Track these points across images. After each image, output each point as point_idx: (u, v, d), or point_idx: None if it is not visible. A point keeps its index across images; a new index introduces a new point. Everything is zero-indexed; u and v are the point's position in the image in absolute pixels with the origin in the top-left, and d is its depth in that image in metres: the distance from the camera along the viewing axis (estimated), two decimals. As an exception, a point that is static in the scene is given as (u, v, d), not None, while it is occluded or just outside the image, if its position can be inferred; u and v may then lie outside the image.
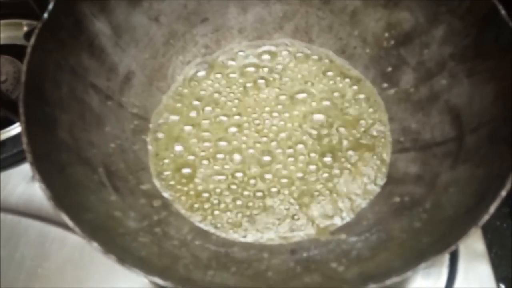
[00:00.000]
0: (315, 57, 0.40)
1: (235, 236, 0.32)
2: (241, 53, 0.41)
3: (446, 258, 0.35)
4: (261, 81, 0.39)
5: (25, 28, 0.48)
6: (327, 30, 0.40)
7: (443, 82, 0.34)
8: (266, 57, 0.41)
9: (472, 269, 0.35)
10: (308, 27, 0.41)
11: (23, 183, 0.39)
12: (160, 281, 0.23)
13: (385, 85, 0.38)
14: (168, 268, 0.27)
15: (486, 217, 0.24)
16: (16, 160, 0.41)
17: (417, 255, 0.24)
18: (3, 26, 0.49)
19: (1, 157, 0.40)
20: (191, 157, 0.36)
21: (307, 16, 0.40)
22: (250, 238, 0.32)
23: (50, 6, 0.31)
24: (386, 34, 0.38)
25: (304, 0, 0.40)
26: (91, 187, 0.29)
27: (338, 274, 0.27)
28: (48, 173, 0.26)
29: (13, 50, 0.46)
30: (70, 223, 0.24)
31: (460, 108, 0.33)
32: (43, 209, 0.37)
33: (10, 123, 0.42)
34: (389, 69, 0.38)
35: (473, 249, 0.35)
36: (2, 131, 0.41)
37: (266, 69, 0.40)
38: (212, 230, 0.32)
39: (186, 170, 0.35)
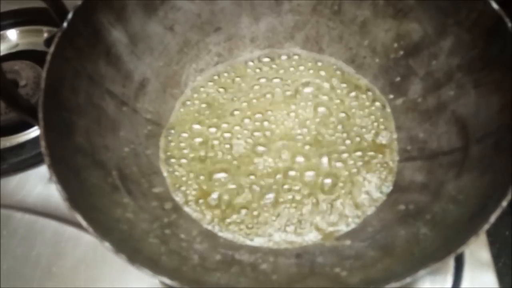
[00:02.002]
0: (325, 66, 0.41)
1: (242, 239, 0.33)
2: (250, 63, 0.42)
3: (451, 266, 0.35)
4: (270, 88, 0.40)
5: (45, 35, 0.50)
6: (337, 40, 0.41)
7: (450, 93, 0.35)
8: (276, 65, 0.42)
9: (477, 279, 0.35)
10: (318, 36, 0.41)
11: (41, 184, 0.41)
12: (168, 281, 0.24)
13: (393, 94, 0.39)
14: (177, 268, 0.28)
15: (486, 227, 0.24)
16: (34, 161, 0.42)
17: (419, 262, 0.25)
18: (24, 33, 0.51)
19: (21, 159, 0.42)
20: (200, 159, 0.37)
21: (317, 26, 0.41)
22: (257, 242, 0.33)
23: (69, 16, 0.32)
24: (395, 45, 0.38)
25: (315, 11, 0.41)
26: (105, 189, 0.31)
27: (342, 279, 0.28)
28: (64, 175, 0.27)
29: (34, 56, 0.48)
30: (84, 223, 0.25)
31: (466, 118, 0.33)
32: (59, 209, 0.38)
33: (29, 126, 0.43)
34: (398, 79, 0.38)
35: (479, 258, 0.36)
36: (22, 133, 0.43)
37: (277, 78, 0.41)
38: (220, 233, 0.33)
39: (197, 174, 0.36)
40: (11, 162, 0.42)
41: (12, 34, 0.51)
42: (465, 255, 0.36)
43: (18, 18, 0.51)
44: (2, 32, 0.51)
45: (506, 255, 0.38)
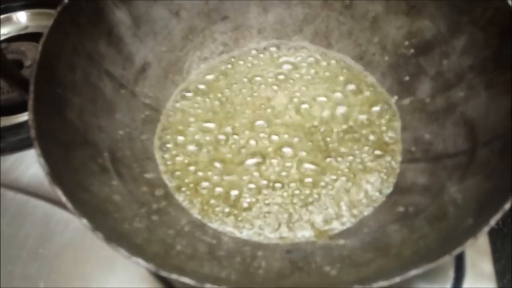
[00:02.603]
0: (332, 62, 0.40)
1: (232, 231, 0.32)
2: (257, 53, 0.41)
3: (450, 278, 0.34)
4: (275, 84, 0.39)
5: (55, 18, 0.50)
6: (347, 35, 0.40)
7: (460, 94, 0.33)
8: (283, 59, 0.40)
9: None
10: (328, 31, 0.40)
11: (36, 165, 0.40)
12: (143, 263, 0.22)
13: (401, 93, 0.37)
14: (158, 254, 0.26)
15: (485, 229, 0.23)
16: (32, 142, 0.41)
17: (413, 263, 0.23)
18: (34, 15, 0.50)
19: (18, 138, 0.41)
20: (196, 149, 0.36)
21: (327, 20, 0.40)
22: (246, 235, 0.32)
23: (72, -8, 0.31)
24: (406, 42, 0.37)
25: (325, 4, 0.40)
26: (93, 169, 0.30)
27: (330, 278, 0.26)
28: (49, 150, 0.26)
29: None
30: (63, 198, 0.24)
31: (475, 120, 0.31)
32: (51, 191, 0.38)
33: (29, 107, 0.43)
34: (407, 78, 0.37)
35: (482, 273, 0.34)
36: (22, 114, 0.43)
37: (282, 73, 0.40)
38: (209, 223, 0.32)
39: (191, 163, 0.35)
40: (9, 141, 0.41)
41: (22, 16, 0.51)
42: (466, 270, 0.34)
43: (28, 1, 0.50)
44: (12, 14, 0.50)
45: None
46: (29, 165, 0.40)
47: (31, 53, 0.45)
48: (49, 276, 0.34)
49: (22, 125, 0.42)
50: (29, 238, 0.36)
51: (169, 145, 0.36)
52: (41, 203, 0.37)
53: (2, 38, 0.49)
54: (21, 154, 0.41)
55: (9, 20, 0.50)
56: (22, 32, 0.50)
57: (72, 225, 0.36)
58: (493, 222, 0.23)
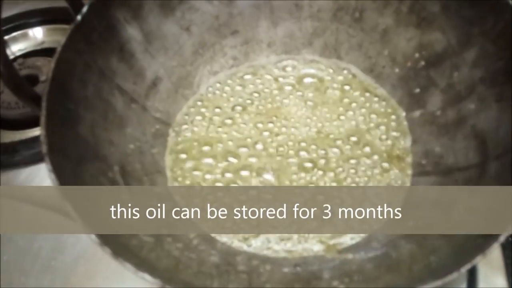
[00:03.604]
0: (343, 73, 0.40)
1: (240, 245, 0.32)
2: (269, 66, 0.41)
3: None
4: (285, 95, 0.39)
5: (70, 34, 0.51)
6: (357, 48, 0.40)
7: (471, 106, 0.33)
8: (291, 71, 0.41)
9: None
10: (337, 44, 0.40)
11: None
12: (149, 278, 0.23)
13: (411, 106, 0.37)
14: (166, 269, 0.27)
15: (495, 246, 0.22)
16: (45, 157, 0.42)
17: (421, 280, 0.23)
18: (51, 31, 0.52)
19: (33, 152, 0.42)
20: (209, 161, 0.36)
21: (337, 33, 0.40)
22: (255, 249, 0.32)
23: (84, 10, 0.32)
24: (417, 55, 0.37)
25: (335, 17, 0.40)
26: (103, 183, 0.30)
27: (338, 293, 0.26)
28: (60, 165, 0.27)
29: (57, 53, 0.48)
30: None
31: (486, 134, 0.31)
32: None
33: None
34: (417, 90, 0.37)
35: (493, 283, 0.33)
36: (36, 128, 0.44)
37: (290, 84, 0.40)
38: (218, 237, 0.32)
39: (201, 174, 0.35)
40: (24, 155, 0.42)
41: (39, 32, 0.52)
42: (479, 284, 0.33)
43: (45, 17, 0.52)
44: (29, 30, 0.52)
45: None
46: (43, 178, 0.41)
47: (46, 68, 0.46)
48: (61, 288, 0.35)
49: (37, 139, 0.42)
50: (42, 251, 0.37)
51: (179, 160, 0.36)
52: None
53: (19, 53, 0.50)
54: (36, 167, 0.42)
55: (25, 36, 0.51)
56: (39, 48, 0.51)
57: (83, 237, 0.37)
58: (502, 238, 0.22)
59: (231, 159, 0.36)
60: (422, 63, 0.37)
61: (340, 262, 0.30)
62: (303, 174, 0.35)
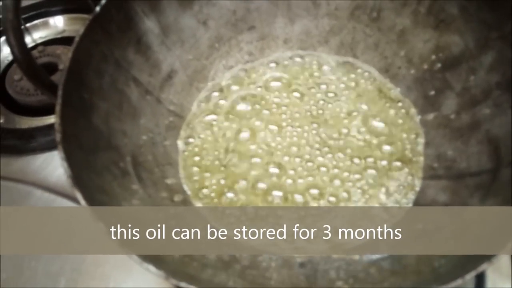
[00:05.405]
0: (358, 71, 0.40)
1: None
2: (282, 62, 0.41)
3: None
4: (300, 93, 0.39)
5: (89, 23, 0.52)
6: (373, 47, 0.39)
7: (486, 111, 0.32)
8: (307, 67, 0.41)
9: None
10: (354, 43, 0.40)
11: (64, 165, 0.42)
12: (154, 270, 0.23)
13: (425, 108, 0.37)
14: (172, 261, 0.27)
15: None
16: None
17: (427, 284, 0.23)
18: (72, 20, 0.52)
19: (49, 139, 0.43)
20: (220, 154, 0.36)
21: (354, 32, 0.40)
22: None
23: (103, 1, 0.33)
24: (433, 57, 0.37)
25: (352, 16, 0.39)
26: (115, 173, 0.31)
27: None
28: (73, 154, 0.27)
29: (76, 43, 0.49)
30: (82, 202, 0.25)
31: (500, 140, 0.31)
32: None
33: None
34: (432, 92, 0.36)
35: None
36: (53, 115, 0.44)
37: (306, 82, 0.40)
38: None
39: (210, 169, 0.36)
40: (40, 141, 0.43)
41: (59, 21, 0.53)
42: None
43: (66, 6, 0.52)
44: (49, 18, 0.52)
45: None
46: (57, 165, 0.42)
47: (65, 57, 0.47)
48: (70, 274, 0.35)
49: (53, 126, 0.43)
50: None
51: (191, 153, 0.36)
52: (66, 202, 0.39)
53: (39, 41, 0.51)
54: (51, 154, 0.43)
55: (46, 24, 0.52)
56: (59, 36, 0.52)
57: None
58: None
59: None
60: (439, 65, 0.36)
61: (346, 262, 0.30)
62: (306, 171, 0.35)
